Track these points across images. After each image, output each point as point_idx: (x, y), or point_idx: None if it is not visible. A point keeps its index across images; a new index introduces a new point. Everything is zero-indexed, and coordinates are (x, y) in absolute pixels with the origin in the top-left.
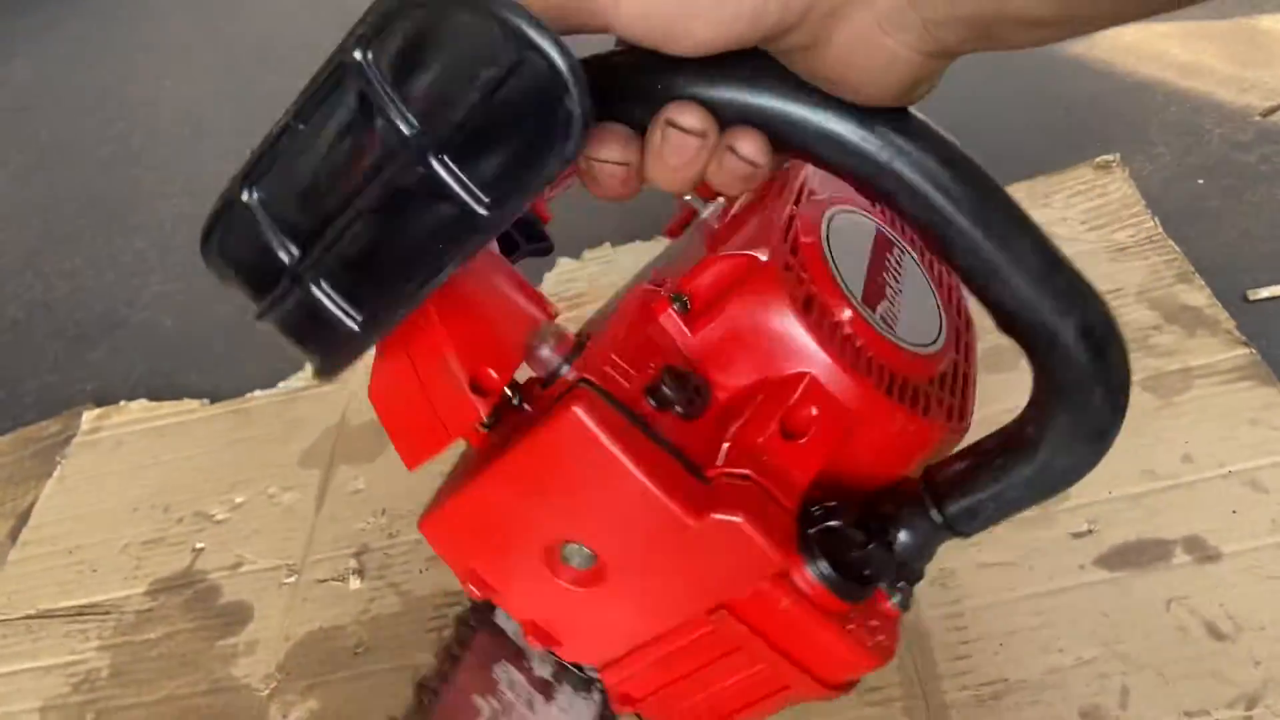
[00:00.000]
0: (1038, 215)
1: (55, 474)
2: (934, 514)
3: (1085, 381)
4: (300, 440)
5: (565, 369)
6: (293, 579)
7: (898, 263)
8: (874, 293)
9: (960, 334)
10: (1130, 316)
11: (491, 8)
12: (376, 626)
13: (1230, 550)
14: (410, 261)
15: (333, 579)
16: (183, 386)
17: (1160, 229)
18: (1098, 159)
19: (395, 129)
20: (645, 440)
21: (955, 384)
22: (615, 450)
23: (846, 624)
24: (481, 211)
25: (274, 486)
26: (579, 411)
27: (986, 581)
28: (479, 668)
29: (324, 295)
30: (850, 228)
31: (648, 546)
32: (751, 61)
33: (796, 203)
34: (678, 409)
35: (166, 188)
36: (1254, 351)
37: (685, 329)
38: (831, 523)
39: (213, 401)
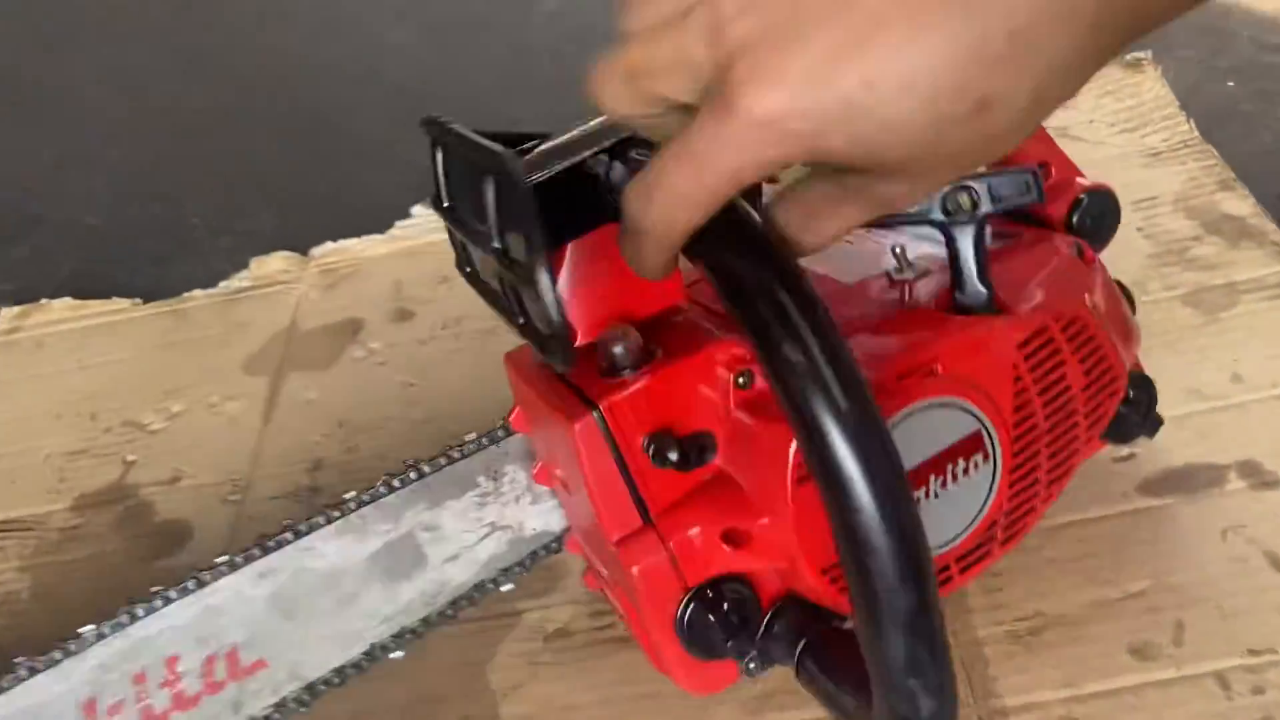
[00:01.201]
0: (1062, 117)
1: None
2: (798, 645)
3: None
4: (244, 345)
5: (625, 372)
6: (237, 497)
7: (966, 468)
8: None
9: (991, 541)
10: (1169, 226)
11: None
12: None
13: None
14: None
15: (283, 496)
16: (113, 287)
17: (1196, 133)
18: (1128, 56)
19: None
20: (614, 468)
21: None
22: (586, 467)
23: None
24: None
25: (215, 395)
26: (576, 429)
27: None
28: None
29: None
30: (941, 420)
31: (594, 544)
32: None
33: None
34: (669, 461)
35: (92, 76)
36: None
37: (732, 402)
38: (709, 614)
39: (146, 301)
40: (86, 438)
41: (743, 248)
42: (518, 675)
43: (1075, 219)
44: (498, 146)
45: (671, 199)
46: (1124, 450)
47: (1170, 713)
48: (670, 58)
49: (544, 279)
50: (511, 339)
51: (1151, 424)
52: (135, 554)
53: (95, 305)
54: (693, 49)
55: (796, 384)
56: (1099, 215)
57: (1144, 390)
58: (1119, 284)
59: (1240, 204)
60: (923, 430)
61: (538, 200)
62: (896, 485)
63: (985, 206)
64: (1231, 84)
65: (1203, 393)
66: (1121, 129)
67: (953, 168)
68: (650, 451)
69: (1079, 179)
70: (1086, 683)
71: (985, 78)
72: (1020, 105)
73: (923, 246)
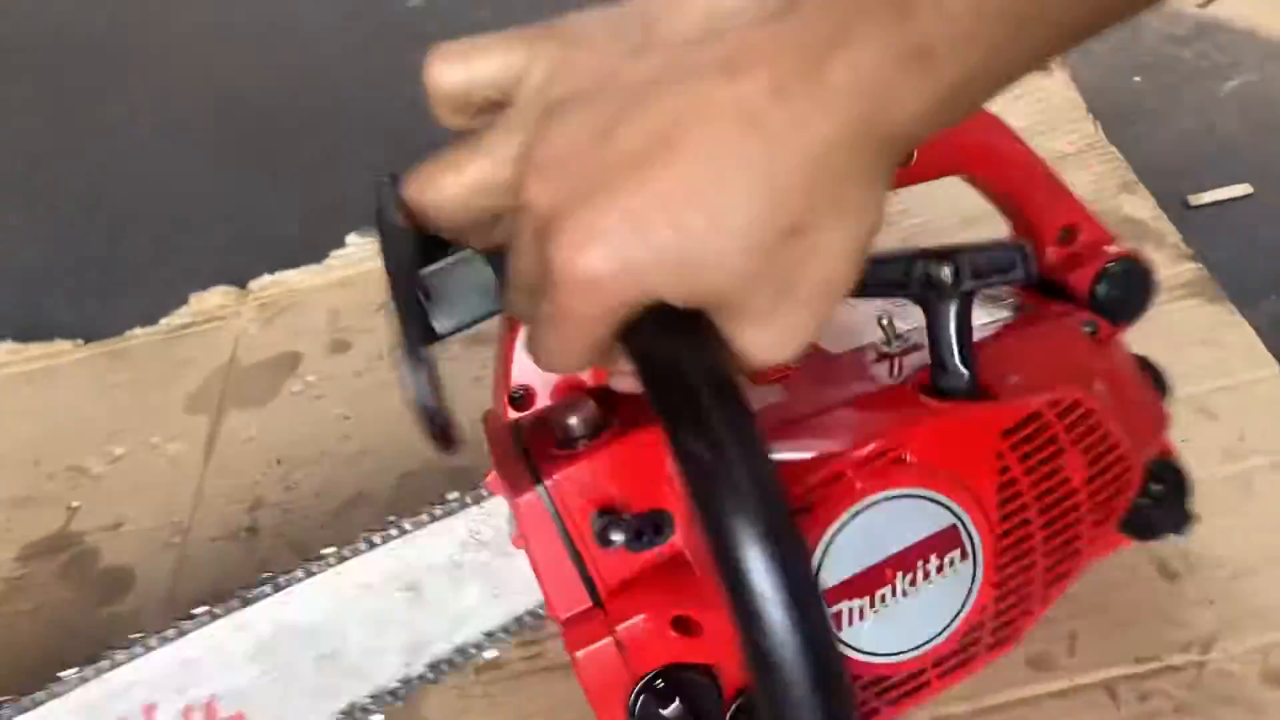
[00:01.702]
0: None
1: None
2: None
3: None
4: (185, 383)
5: (580, 443)
6: (179, 539)
7: (940, 565)
8: (864, 584)
9: (976, 644)
10: None
11: None
12: None
13: None
14: None
15: (223, 538)
16: (53, 326)
17: (1101, 134)
18: None
19: None
20: (560, 545)
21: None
22: (530, 542)
23: None
24: None
25: (156, 436)
26: (520, 503)
27: None
28: None
29: None
30: (910, 512)
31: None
32: None
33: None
34: (612, 542)
35: (26, 97)
36: (1200, 266)
37: None
38: (660, 707)
39: (87, 341)
40: (30, 484)
41: (661, 330)
42: (449, 710)
43: (1100, 291)
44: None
45: (554, 354)
46: None
47: None
48: (502, 184)
49: (405, 353)
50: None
51: (1178, 517)
52: (81, 602)
53: (36, 349)
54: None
55: (699, 480)
56: (1126, 287)
57: (1170, 481)
58: (1147, 363)
59: (1141, 206)
60: (889, 522)
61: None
62: (804, 597)
63: (967, 282)
64: (1138, 79)
65: None
66: (1032, 133)
67: (801, 301)
68: (596, 531)
69: (1108, 246)
70: (986, 696)
71: (787, 206)
72: (832, 226)
73: (915, 317)
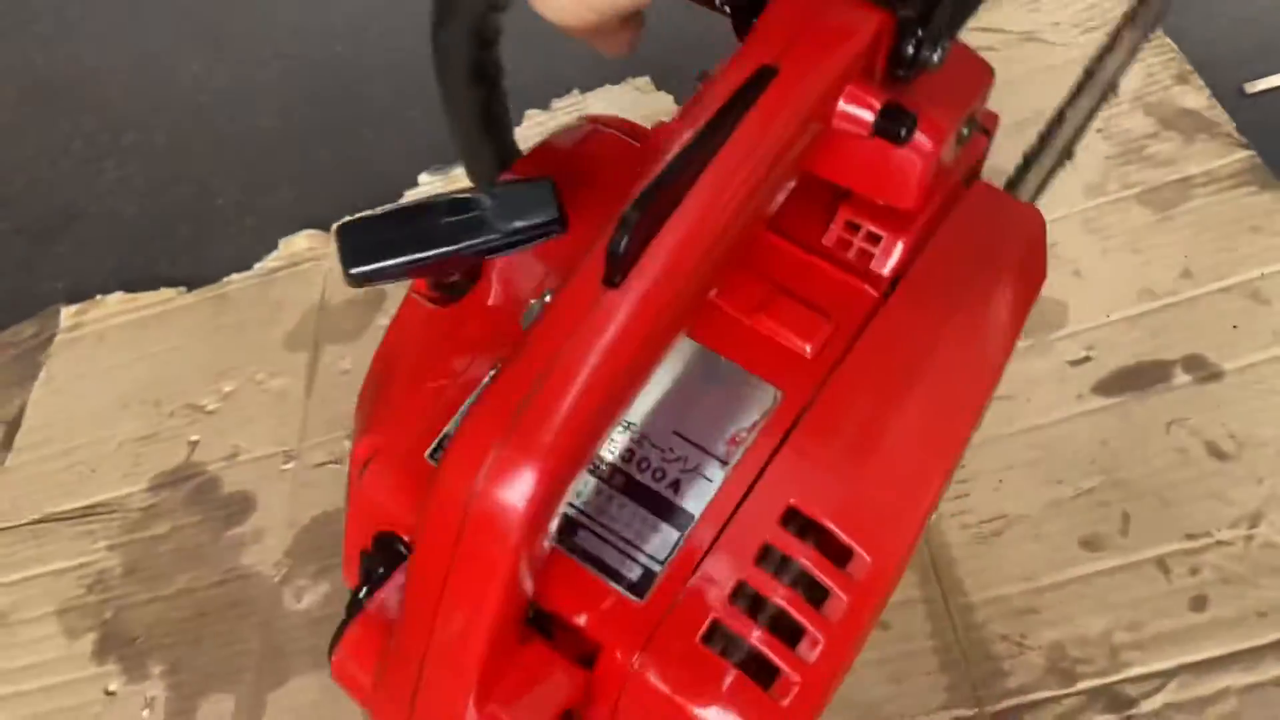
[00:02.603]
0: (1025, 21)
1: (40, 376)
2: None
3: None
4: (282, 323)
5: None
6: (291, 465)
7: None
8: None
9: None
10: (1127, 125)
11: None
12: None
13: (1231, 367)
14: None
15: (330, 462)
16: (156, 276)
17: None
18: None
19: None
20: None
21: None
22: None
23: None
24: None
25: (261, 372)
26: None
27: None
28: None
29: None
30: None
31: None
32: None
33: None
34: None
35: (111, 61)
36: (1255, 154)
37: None
38: None
39: (190, 289)
40: (153, 423)
41: None
42: None
43: None
44: None
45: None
46: (1080, 352)
47: (1115, 596)
48: None
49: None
50: None
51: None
52: (209, 525)
53: (146, 297)
54: None
55: None
56: None
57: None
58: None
59: (1196, 96)
60: None
61: None
62: None
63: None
64: None
65: (1154, 291)
66: (1085, 28)
67: None
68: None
69: None
70: (1042, 575)
71: None
72: None
73: None
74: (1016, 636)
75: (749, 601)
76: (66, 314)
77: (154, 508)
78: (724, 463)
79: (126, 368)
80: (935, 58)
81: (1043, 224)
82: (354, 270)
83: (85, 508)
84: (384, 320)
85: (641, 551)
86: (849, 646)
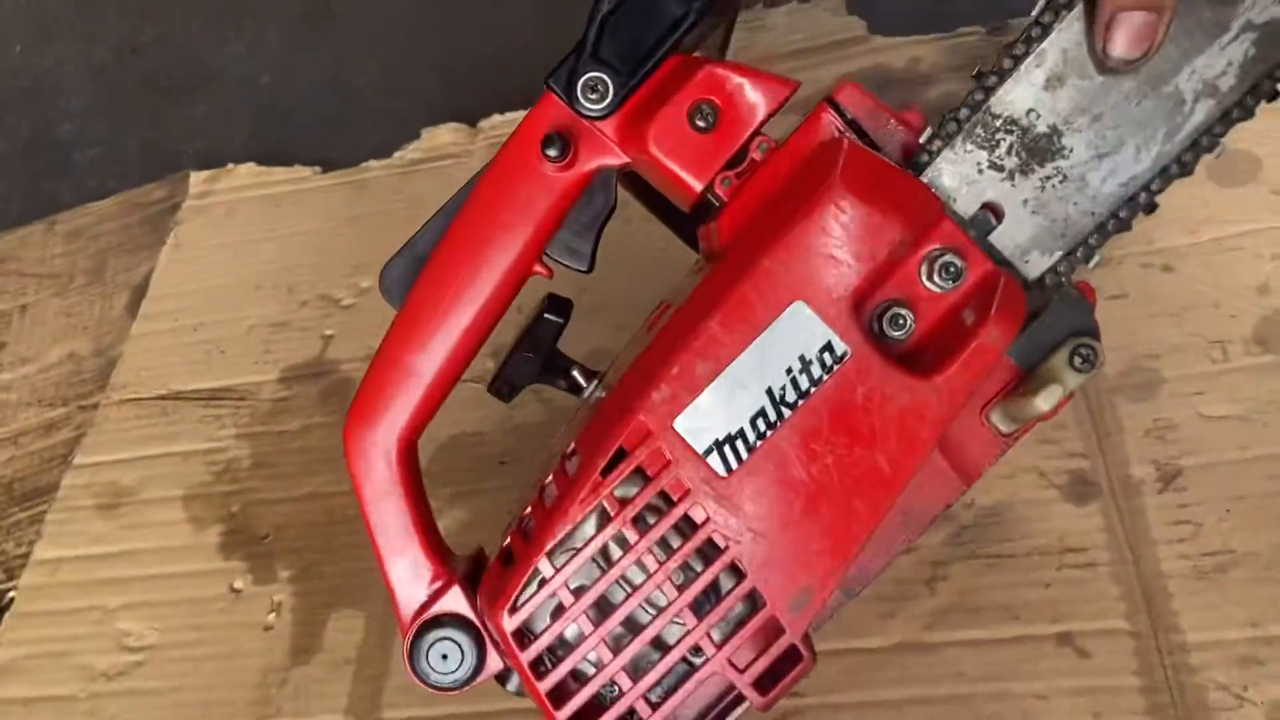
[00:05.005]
0: None
1: (169, 242)
2: None
3: None
4: (422, 221)
5: None
6: None
7: None
8: None
9: None
10: None
11: None
12: (521, 435)
13: None
14: None
15: (471, 380)
16: (288, 152)
17: None
18: None
19: None
20: None
21: None
22: None
23: None
24: None
25: None
26: None
27: (1212, 437)
28: None
29: None
30: None
31: None
32: None
33: None
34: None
35: None
36: None
37: None
38: None
39: (325, 170)
40: (286, 310)
41: None
42: None
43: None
44: None
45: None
46: None
47: None
48: None
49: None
50: None
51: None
52: (340, 428)
53: (279, 173)
54: None
55: None
56: None
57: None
58: None
59: None
60: None
61: None
62: None
63: None
64: None
65: None
66: None
67: None
68: None
69: None
70: (1271, 623)
71: None
72: None
73: None
74: (1237, 688)
75: None
76: (196, 180)
77: (285, 401)
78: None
79: (257, 246)
80: (594, 97)
81: (854, 149)
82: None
83: (214, 390)
84: None
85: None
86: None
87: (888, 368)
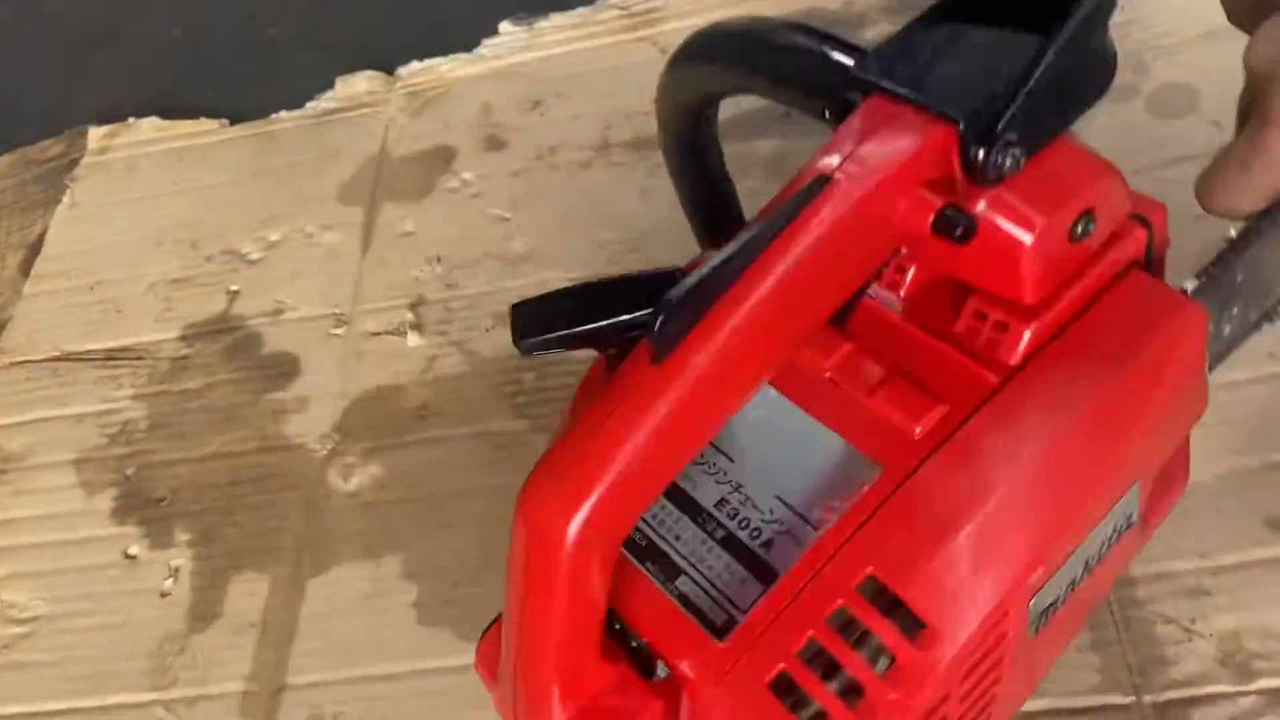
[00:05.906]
0: None
1: (65, 200)
2: None
3: None
4: (336, 172)
5: None
6: (341, 330)
7: None
8: None
9: None
10: None
11: None
12: (441, 388)
13: None
14: None
15: (387, 332)
16: (196, 106)
17: None
18: None
19: None
20: None
21: None
22: None
23: None
24: None
25: (311, 224)
26: None
27: None
28: None
29: None
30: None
31: None
32: None
33: None
34: None
35: None
36: None
37: None
38: None
39: (233, 122)
40: (189, 266)
41: None
42: None
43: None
44: None
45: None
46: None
47: None
48: None
49: None
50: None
51: None
52: (246, 386)
53: (184, 126)
54: None
55: None
56: None
57: None
58: None
59: None
60: None
61: None
62: None
63: None
64: None
65: None
66: None
67: None
68: None
69: None
70: (1219, 554)
71: None
72: None
73: None
74: (1185, 620)
75: (817, 657)
76: (95, 135)
77: (186, 359)
78: (815, 528)
79: (159, 201)
80: (1007, 165)
81: (1203, 320)
82: (524, 342)
83: (110, 350)
84: (452, 182)
85: (729, 600)
86: (909, 713)
87: None
